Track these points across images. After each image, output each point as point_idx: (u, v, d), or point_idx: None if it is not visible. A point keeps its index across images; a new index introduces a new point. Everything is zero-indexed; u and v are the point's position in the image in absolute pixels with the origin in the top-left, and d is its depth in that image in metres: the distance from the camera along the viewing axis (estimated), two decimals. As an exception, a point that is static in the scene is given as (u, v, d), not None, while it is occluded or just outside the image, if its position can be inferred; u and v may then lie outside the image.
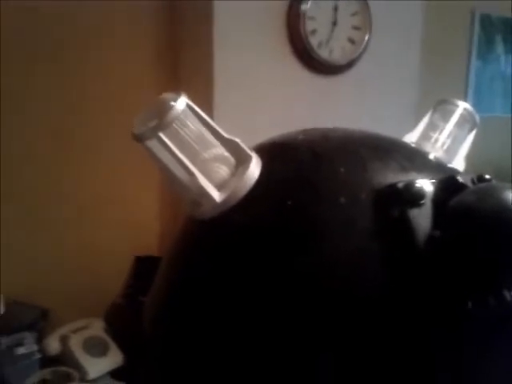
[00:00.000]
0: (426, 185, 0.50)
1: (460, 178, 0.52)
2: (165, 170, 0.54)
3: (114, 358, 1.81)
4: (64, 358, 1.75)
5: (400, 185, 0.49)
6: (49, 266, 1.98)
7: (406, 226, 0.47)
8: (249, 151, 0.54)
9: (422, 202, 0.48)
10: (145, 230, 2.13)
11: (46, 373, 1.67)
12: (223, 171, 0.53)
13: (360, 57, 1.97)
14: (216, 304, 0.53)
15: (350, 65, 1.97)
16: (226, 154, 0.54)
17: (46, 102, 1.90)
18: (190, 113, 0.52)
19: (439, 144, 0.74)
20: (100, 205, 2.04)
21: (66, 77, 1.91)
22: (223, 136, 0.53)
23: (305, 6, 1.82)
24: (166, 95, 0.52)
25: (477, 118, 0.77)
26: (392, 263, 0.47)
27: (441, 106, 0.78)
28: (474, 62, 2.89)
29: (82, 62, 1.93)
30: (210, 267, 0.54)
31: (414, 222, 0.47)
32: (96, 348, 1.80)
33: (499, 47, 2.97)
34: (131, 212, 2.10)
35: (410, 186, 0.49)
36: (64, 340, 1.78)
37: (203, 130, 0.53)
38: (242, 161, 0.54)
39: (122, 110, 1.99)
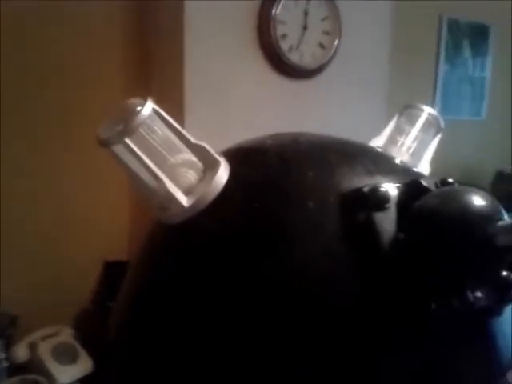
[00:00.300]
0: (390, 189, 0.50)
1: (424, 182, 0.53)
2: (132, 175, 0.54)
3: (83, 365, 1.78)
4: (33, 366, 1.72)
5: (365, 189, 0.50)
6: (17, 272, 1.94)
7: (372, 229, 0.48)
8: (216, 156, 0.54)
9: (386, 205, 0.49)
10: (114, 234, 2.10)
11: (15, 381, 1.63)
12: (191, 176, 0.53)
13: (330, 61, 1.99)
14: (183, 309, 0.53)
15: (320, 69, 1.98)
16: (194, 158, 0.54)
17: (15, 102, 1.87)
18: (156, 118, 0.52)
19: (405, 148, 0.75)
20: (68, 209, 2.01)
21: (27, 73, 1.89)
22: (190, 141, 0.53)
23: (275, 10, 1.82)
24: (132, 101, 0.51)
25: (441, 122, 0.78)
26: (359, 266, 0.48)
27: (407, 111, 0.79)
28: (442, 66, 2.94)
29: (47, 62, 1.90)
30: (178, 272, 0.54)
31: (379, 226, 0.48)
32: (65, 355, 1.77)
33: (466, 51, 3.03)
34: (100, 216, 2.07)
35: (375, 190, 0.49)
36: (32, 347, 1.75)
37: (170, 134, 0.53)
38: (209, 166, 0.54)
39: (89, 112, 1.97)
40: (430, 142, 0.78)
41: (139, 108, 0.50)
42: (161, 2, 1.90)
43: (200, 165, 0.54)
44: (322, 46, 1.96)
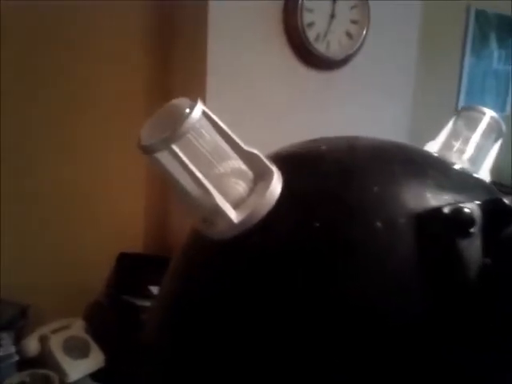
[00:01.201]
0: (474, 210, 0.44)
1: (507, 202, 0.46)
2: (175, 185, 0.47)
3: (95, 360, 1.73)
4: (43, 360, 1.67)
5: (446, 210, 0.43)
6: (28, 261, 1.89)
7: (455, 257, 0.42)
8: (270, 165, 0.47)
9: (472, 230, 0.42)
10: (130, 225, 2.05)
11: (24, 375, 1.59)
12: (241, 187, 0.47)
13: (357, 52, 1.91)
14: (226, 330, 0.46)
15: (346, 60, 1.90)
16: (244, 167, 0.47)
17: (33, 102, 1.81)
18: (205, 121, 0.45)
19: (463, 155, 0.68)
20: (83, 199, 1.96)
21: (52, 73, 1.83)
22: (241, 147, 0.46)
23: (302, -2, 1.74)
24: (180, 101, 0.45)
25: (503, 126, 0.71)
26: (437, 299, 0.42)
27: (465, 113, 0.72)
28: (468, 58, 2.85)
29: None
30: (223, 292, 0.47)
31: (464, 253, 0.42)
32: (77, 349, 1.72)
33: (493, 44, 2.93)
34: (116, 207, 2.02)
35: (458, 211, 0.43)
36: (43, 341, 1.70)
37: (220, 140, 0.46)
38: (261, 175, 0.47)
39: (106, 106, 1.92)
40: (490, 148, 0.71)
41: (188, 110, 0.43)
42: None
43: (250, 174, 0.48)
44: (349, 35, 1.88)
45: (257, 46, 1.78)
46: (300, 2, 1.75)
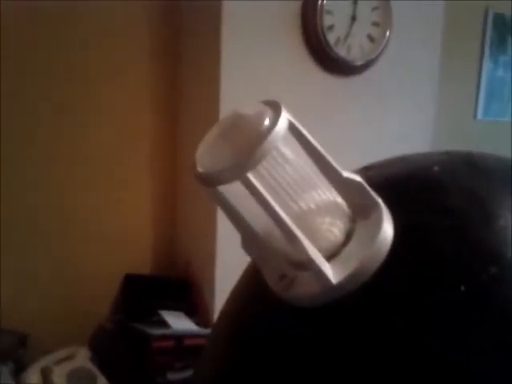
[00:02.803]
0: None
1: None
2: (240, 225, 0.34)
3: (102, 392, 1.59)
4: (45, 395, 1.53)
5: None
6: (28, 285, 1.76)
7: None
8: (376, 197, 0.34)
9: None
10: (136, 246, 1.92)
11: (25, 412, 1.45)
12: (337, 230, 0.33)
13: (379, 56, 1.78)
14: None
15: (367, 65, 1.77)
16: (340, 200, 0.34)
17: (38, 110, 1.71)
18: (290, 137, 0.32)
19: None
20: (87, 218, 1.84)
21: (55, 83, 1.73)
22: (339, 173, 0.33)
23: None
24: (254, 109, 0.31)
25: None
26: None
27: None
28: (487, 63, 2.73)
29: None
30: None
31: None
32: (82, 381, 1.59)
33: (510, 48, 2.81)
34: (121, 226, 1.89)
35: None
36: (45, 373, 1.57)
37: (308, 162, 0.33)
38: (361, 212, 0.34)
39: (113, 119, 1.81)
40: None
41: (269, 122, 0.30)
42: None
43: (348, 211, 0.34)
44: (371, 38, 1.75)
45: (273, 50, 1.65)
46: (319, 3, 1.63)
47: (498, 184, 0.36)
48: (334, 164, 0.33)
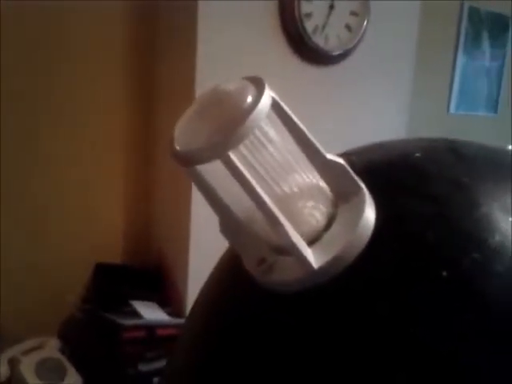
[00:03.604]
0: None
1: None
2: (218, 207, 0.32)
3: (71, 383, 1.56)
4: (13, 385, 1.50)
5: None
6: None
7: None
8: (359, 181, 0.32)
9: None
10: (108, 234, 1.88)
11: (-9, 404, 1.42)
12: (319, 214, 0.32)
13: (356, 46, 1.78)
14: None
15: (345, 54, 1.77)
16: (323, 184, 0.33)
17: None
18: (273, 115, 0.30)
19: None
20: (58, 206, 1.79)
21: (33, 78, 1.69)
22: (323, 155, 0.32)
23: (301, -14, 1.60)
24: (236, 85, 0.30)
25: None
26: None
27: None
28: (461, 57, 2.76)
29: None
30: (289, 370, 0.32)
31: None
32: (51, 371, 1.57)
33: (485, 43, 2.84)
34: (92, 214, 1.85)
35: None
36: (13, 363, 1.53)
37: (292, 144, 0.31)
38: (344, 196, 0.33)
39: (90, 109, 1.77)
40: None
41: (252, 99, 0.28)
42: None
43: (330, 195, 0.33)
44: (348, 28, 1.74)
45: (251, 38, 1.63)
46: (298, -10, 1.61)
47: (481, 171, 0.36)
48: (318, 146, 0.32)
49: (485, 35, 2.83)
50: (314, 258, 0.30)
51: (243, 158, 0.29)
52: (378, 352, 0.29)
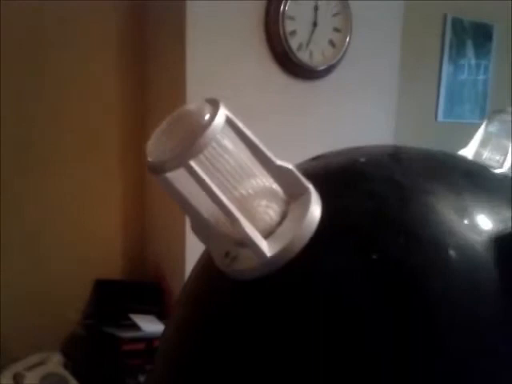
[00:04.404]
0: None
1: None
2: (190, 211, 0.38)
3: (75, 398, 1.61)
4: (18, 401, 1.54)
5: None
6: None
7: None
8: (306, 182, 0.38)
9: None
10: (106, 251, 1.93)
11: (-3, 419, 1.46)
12: (272, 211, 0.37)
13: (340, 61, 1.85)
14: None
15: (329, 69, 1.84)
16: (275, 186, 0.38)
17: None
18: (229, 130, 0.36)
19: (504, 163, 0.60)
20: (58, 226, 1.84)
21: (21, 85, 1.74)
22: (273, 161, 0.37)
23: (284, 5, 1.67)
24: (196, 105, 0.35)
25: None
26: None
27: (497, 117, 0.64)
28: (446, 67, 2.83)
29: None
30: (252, 345, 0.38)
31: None
32: (54, 386, 1.60)
33: (470, 52, 2.92)
34: (91, 233, 1.90)
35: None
36: (17, 379, 1.58)
37: (246, 153, 0.37)
38: (295, 196, 0.38)
39: (82, 119, 1.82)
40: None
41: (208, 116, 0.34)
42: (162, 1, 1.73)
43: (282, 195, 0.38)
44: (332, 44, 1.81)
45: (238, 55, 1.70)
46: (281, 9, 1.68)
47: (415, 171, 0.41)
48: (269, 154, 0.37)
49: (469, 45, 2.90)
50: (267, 249, 0.36)
51: (204, 166, 0.34)
52: (318, 331, 0.34)
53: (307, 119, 1.85)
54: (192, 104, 0.36)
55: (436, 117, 2.88)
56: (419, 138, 2.73)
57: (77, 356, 1.69)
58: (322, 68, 1.82)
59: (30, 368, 1.62)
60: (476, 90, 3.03)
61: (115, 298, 1.80)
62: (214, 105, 0.35)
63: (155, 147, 0.35)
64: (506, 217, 0.37)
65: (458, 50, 2.87)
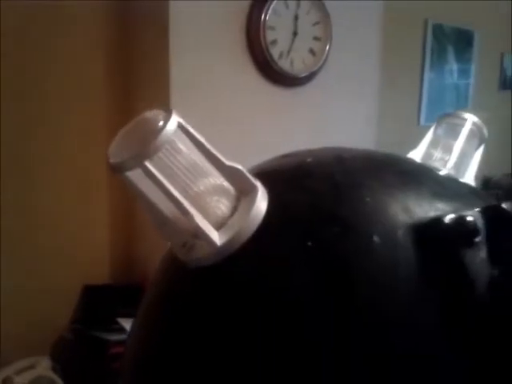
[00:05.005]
0: (477, 218, 0.40)
1: (507, 208, 0.43)
2: (149, 206, 0.43)
3: (64, 400, 1.64)
4: (7, 404, 1.57)
5: (447, 219, 0.40)
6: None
7: (461, 270, 0.38)
8: (253, 180, 0.43)
9: (477, 239, 0.39)
10: (94, 255, 1.96)
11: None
12: (223, 206, 0.42)
13: (321, 68, 1.90)
14: (213, 370, 0.41)
15: (310, 77, 1.89)
16: (226, 184, 0.43)
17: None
18: (181, 134, 0.41)
19: (448, 162, 0.65)
20: (46, 232, 1.87)
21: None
22: (222, 162, 0.42)
23: (264, 15, 1.73)
24: (152, 113, 0.40)
25: (485, 132, 0.69)
26: (444, 312, 0.38)
27: (446, 120, 0.69)
28: (428, 72, 2.90)
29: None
30: (207, 328, 0.42)
31: (471, 264, 0.38)
32: (44, 390, 1.63)
33: (451, 57, 2.99)
34: (79, 236, 1.93)
35: (460, 220, 0.39)
36: (7, 383, 1.60)
37: (198, 155, 0.42)
38: (245, 192, 0.43)
39: (69, 126, 1.86)
40: (472, 154, 0.69)
41: (162, 122, 0.39)
42: (145, 2, 1.77)
43: (233, 191, 0.43)
44: (312, 52, 1.87)
45: (221, 64, 1.75)
46: (262, 19, 1.74)
47: (354, 169, 0.47)
48: (219, 155, 0.42)
49: (450, 50, 2.97)
50: (218, 238, 0.41)
51: (159, 167, 0.39)
52: (262, 312, 0.39)
53: (289, 125, 1.91)
54: (149, 112, 0.41)
55: (418, 121, 2.94)
56: (402, 143, 2.79)
57: (65, 360, 1.73)
58: (303, 75, 1.87)
59: (20, 372, 1.65)
60: (458, 95, 3.10)
61: (103, 303, 1.84)
62: (168, 112, 0.40)
63: (116, 149, 0.40)
64: (426, 208, 0.42)
65: (439, 55, 2.94)
